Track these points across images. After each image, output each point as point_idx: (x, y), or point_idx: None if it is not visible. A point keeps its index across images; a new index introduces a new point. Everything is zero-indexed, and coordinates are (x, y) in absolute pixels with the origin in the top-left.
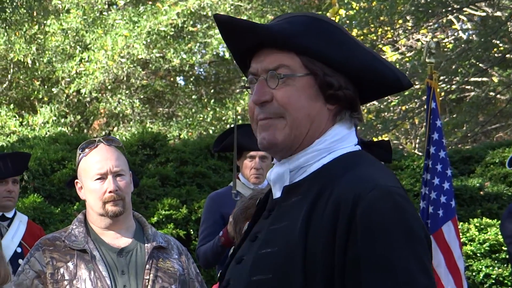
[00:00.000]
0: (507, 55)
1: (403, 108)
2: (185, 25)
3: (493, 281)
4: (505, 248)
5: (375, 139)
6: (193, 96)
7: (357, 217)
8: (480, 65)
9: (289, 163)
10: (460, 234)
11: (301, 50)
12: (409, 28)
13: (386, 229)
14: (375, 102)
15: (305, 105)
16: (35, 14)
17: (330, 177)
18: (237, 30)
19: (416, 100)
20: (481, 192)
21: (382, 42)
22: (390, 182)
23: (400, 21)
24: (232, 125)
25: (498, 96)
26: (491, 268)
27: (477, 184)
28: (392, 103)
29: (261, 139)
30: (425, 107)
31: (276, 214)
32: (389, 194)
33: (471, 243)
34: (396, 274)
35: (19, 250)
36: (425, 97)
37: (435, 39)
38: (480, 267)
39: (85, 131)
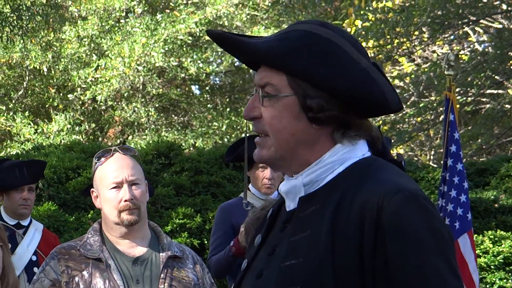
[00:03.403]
0: None
1: (418, 119)
2: (202, 34)
3: None
4: None
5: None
6: (208, 105)
7: (383, 221)
8: (496, 77)
9: (303, 177)
10: (475, 246)
11: (285, 70)
12: (425, 39)
13: (414, 232)
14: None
15: (287, 126)
16: (51, 21)
17: (349, 183)
18: (228, 46)
19: (431, 112)
20: (496, 205)
21: (398, 53)
22: (412, 185)
23: (416, 33)
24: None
25: None
26: (505, 280)
27: (492, 197)
28: (407, 115)
29: (254, 154)
30: (441, 119)
31: (295, 225)
32: (413, 196)
33: (485, 256)
34: (427, 278)
35: (34, 258)
36: (441, 108)
37: (454, 51)
38: (494, 279)
39: (100, 139)
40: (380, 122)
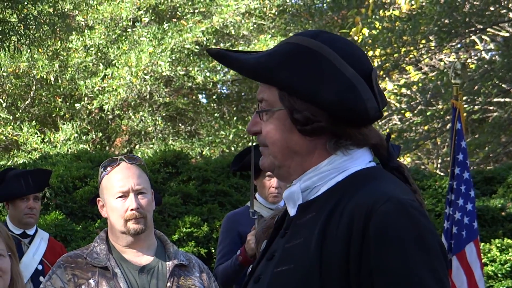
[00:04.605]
0: None
1: (425, 128)
2: (208, 43)
3: None
4: None
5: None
6: (216, 114)
7: (370, 229)
8: (503, 85)
9: (300, 183)
10: (482, 254)
11: (273, 85)
12: (432, 48)
13: (399, 241)
14: (397, 122)
15: (280, 138)
16: (58, 31)
17: (343, 193)
18: (226, 62)
19: (438, 120)
20: (503, 213)
21: (405, 61)
22: (405, 195)
23: (423, 41)
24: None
25: None
26: None
27: (499, 205)
28: (414, 123)
29: (259, 160)
30: (448, 127)
31: (291, 232)
32: (402, 206)
33: (492, 264)
34: (409, 286)
35: (40, 267)
36: (448, 117)
37: (461, 60)
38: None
39: (107, 148)
40: (387, 130)
